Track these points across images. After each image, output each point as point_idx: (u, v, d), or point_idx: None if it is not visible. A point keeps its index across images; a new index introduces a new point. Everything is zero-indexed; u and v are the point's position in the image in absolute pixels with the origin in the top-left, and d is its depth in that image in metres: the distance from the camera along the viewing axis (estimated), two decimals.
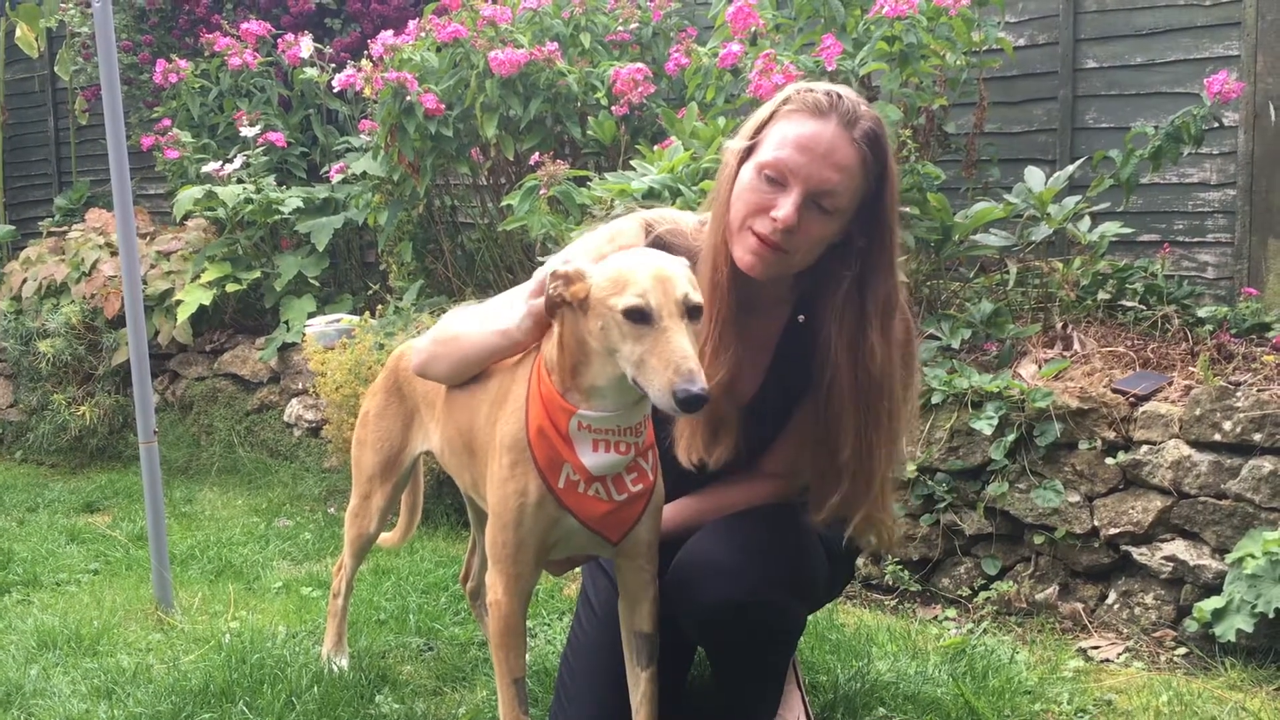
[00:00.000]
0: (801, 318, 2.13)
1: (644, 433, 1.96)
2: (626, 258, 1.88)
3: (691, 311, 1.80)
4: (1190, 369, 3.36)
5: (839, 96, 1.96)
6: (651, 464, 2.01)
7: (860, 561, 3.51)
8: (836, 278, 2.03)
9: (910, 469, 3.41)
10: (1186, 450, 3.08)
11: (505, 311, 2.15)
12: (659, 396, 1.75)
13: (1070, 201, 3.76)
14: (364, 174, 5.21)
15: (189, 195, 5.48)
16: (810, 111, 1.96)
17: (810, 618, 2.57)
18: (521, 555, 2.04)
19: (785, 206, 1.93)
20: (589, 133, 4.64)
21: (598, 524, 1.99)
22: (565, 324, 1.92)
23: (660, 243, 2.10)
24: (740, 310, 2.06)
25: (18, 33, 7.26)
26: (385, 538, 2.96)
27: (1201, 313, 3.72)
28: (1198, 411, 3.07)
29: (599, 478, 1.95)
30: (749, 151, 2.01)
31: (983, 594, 3.30)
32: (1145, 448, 3.15)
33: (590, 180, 4.04)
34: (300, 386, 5.20)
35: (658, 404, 1.77)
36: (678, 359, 1.73)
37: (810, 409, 2.12)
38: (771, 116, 2.00)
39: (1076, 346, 3.59)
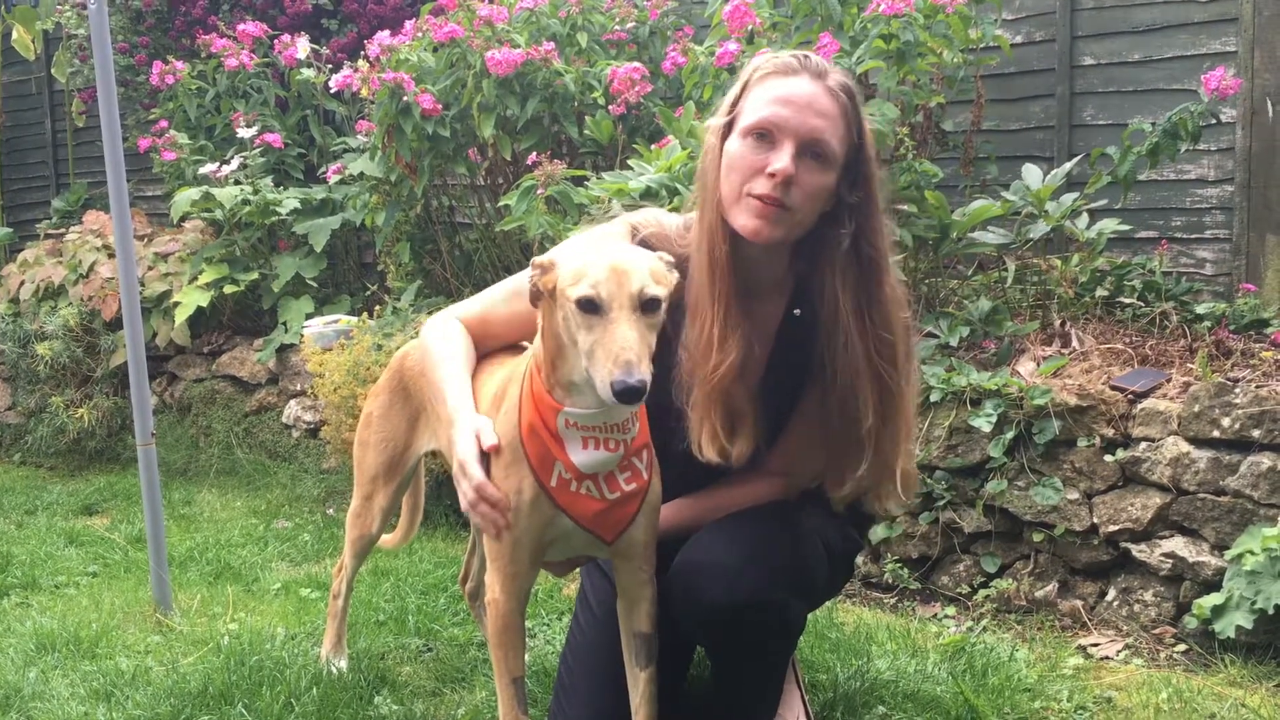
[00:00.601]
0: (798, 311, 2.13)
1: (633, 430, 1.95)
2: (589, 249, 1.90)
3: (646, 305, 1.81)
4: (1189, 365, 3.36)
5: (806, 56, 2.03)
6: (646, 463, 2.01)
7: (859, 559, 3.50)
8: (834, 241, 2.04)
9: None
10: (1185, 447, 3.08)
11: (451, 356, 2.17)
12: (601, 387, 1.77)
13: (1068, 199, 3.76)
14: (361, 175, 5.20)
15: (186, 197, 5.48)
16: (783, 71, 2.02)
17: (810, 616, 2.56)
18: (518, 554, 2.04)
19: (781, 159, 1.96)
20: (586, 132, 4.64)
21: (591, 523, 1.98)
22: (545, 316, 1.94)
23: (645, 245, 2.10)
24: (742, 294, 2.07)
25: (14, 35, 7.26)
26: (386, 539, 2.95)
27: (1200, 309, 3.72)
28: (1196, 408, 3.07)
29: (590, 476, 1.95)
30: (729, 125, 2.04)
31: (982, 592, 3.30)
32: (1144, 445, 3.15)
33: (588, 180, 4.04)
34: (298, 388, 5.19)
35: (601, 395, 1.78)
36: (618, 349, 1.75)
37: (815, 397, 2.12)
38: (745, 86, 2.05)
39: (1075, 344, 3.59)
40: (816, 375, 2.10)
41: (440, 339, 2.24)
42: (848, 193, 2.03)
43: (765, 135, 1.98)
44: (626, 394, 1.73)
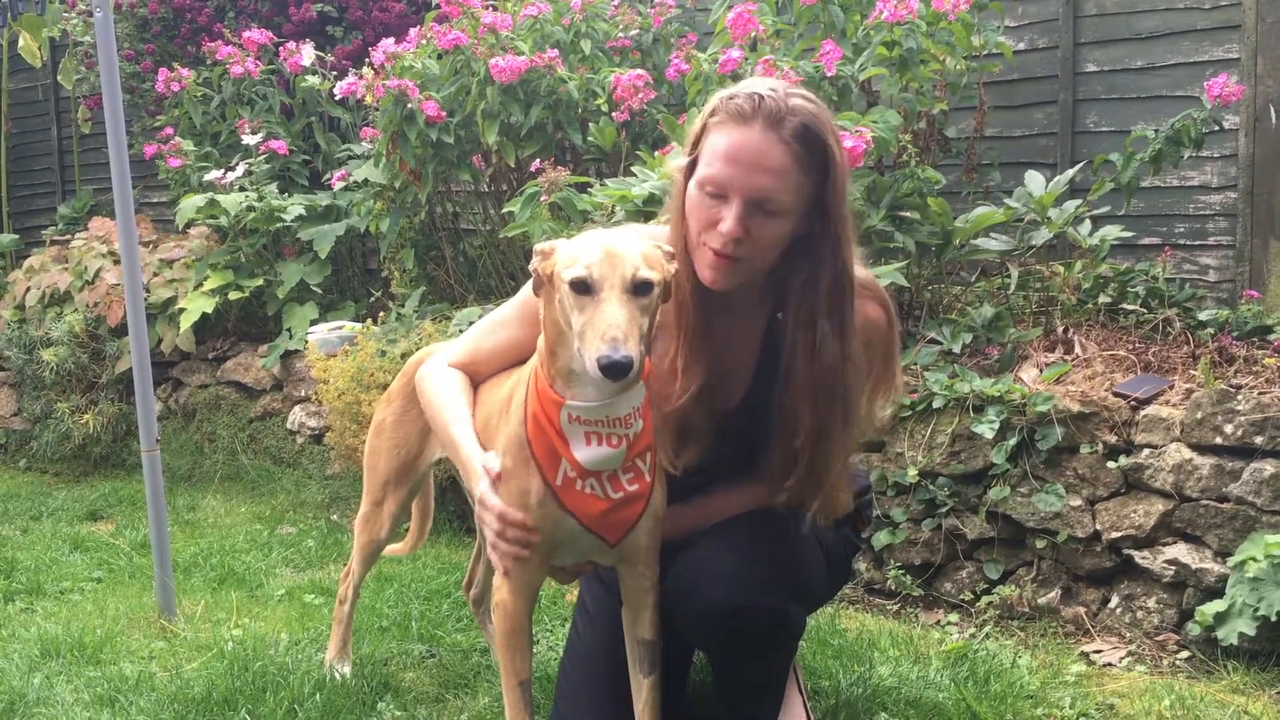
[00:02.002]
0: (780, 315, 2.14)
1: (635, 425, 1.96)
2: (587, 235, 1.93)
3: (637, 287, 1.83)
4: (1191, 372, 3.35)
5: (762, 98, 1.94)
6: (649, 466, 2.02)
7: (862, 566, 3.51)
8: (795, 268, 2.04)
9: (912, 474, 3.41)
10: (1188, 453, 3.07)
11: (459, 406, 2.22)
12: (590, 365, 1.80)
13: (1071, 205, 3.77)
14: (366, 181, 5.21)
15: (191, 203, 5.49)
16: (736, 119, 1.95)
17: (811, 623, 2.56)
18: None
19: (728, 219, 1.94)
20: (590, 139, 4.65)
21: (595, 523, 1.99)
22: (545, 304, 1.96)
23: None
24: (719, 315, 2.09)
25: (21, 42, 7.29)
26: (394, 547, 2.96)
27: (1203, 316, 3.72)
28: (1199, 415, 3.07)
29: (594, 473, 1.96)
30: (691, 168, 2.03)
31: (985, 598, 3.30)
32: (1146, 451, 3.14)
33: (591, 186, 4.05)
34: (303, 394, 5.20)
35: (590, 373, 1.81)
36: (604, 326, 1.78)
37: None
38: (703, 130, 2.01)
39: (1078, 350, 3.59)
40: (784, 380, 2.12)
41: (440, 389, 2.28)
42: (813, 224, 2.01)
43: (715, 192, 1.97)
44: (612, 369, 1.75)
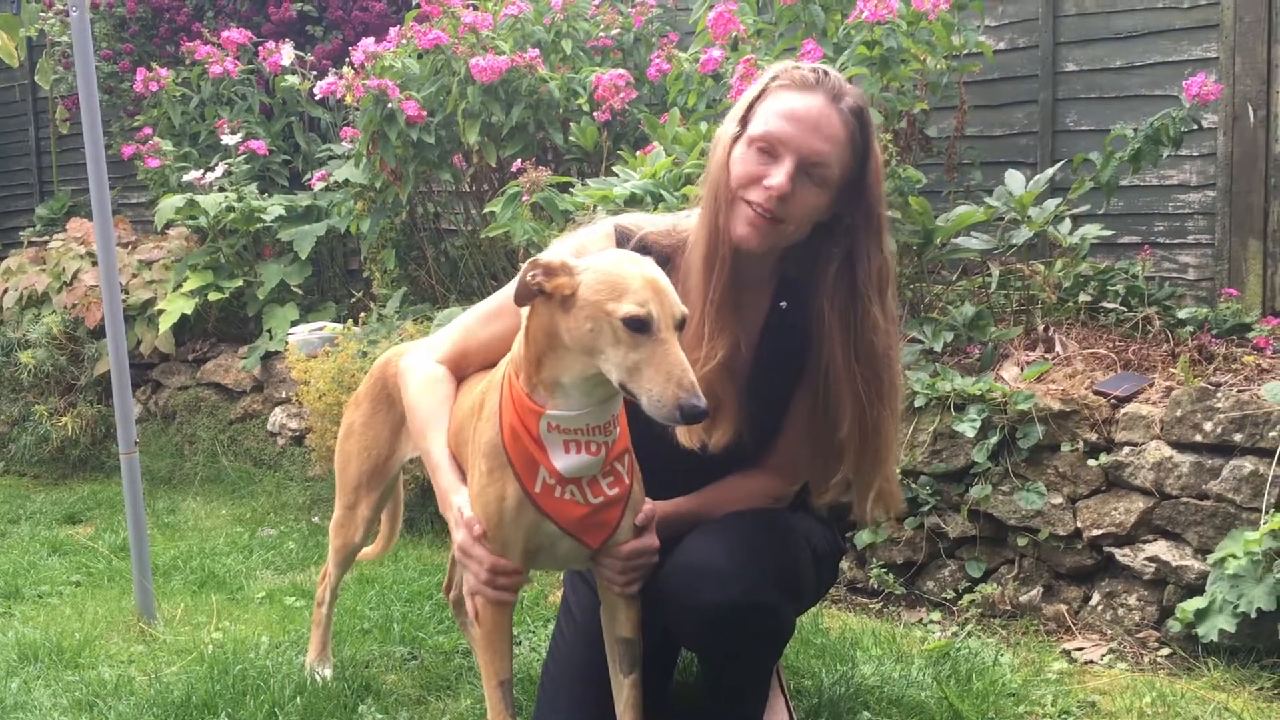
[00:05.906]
0: (784, 304, 2.15)
1: (614, 432, 1.96)
2: (616, 261, 1.90)
3: (680, 324, 1.84)
4: (1171, 370, 3.37)
5: (825, 73, 2.05)
6: (628, 468, 2.01)
7: (844, 565, 3.51)
8: (826, 255, 2.08)
9: None
10: (1168, 451, 3.09)
11: (440, 421, 2.21)
12: (655, 406, 1.78)
13: (1051, 204, 3.77)
14: (346, 181, 5.20)
15: (170, 204, 5.46)
16: (798, 86, 2.03)
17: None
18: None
19: (779, 175, 1.98)
20: (571, 139, 4.64)
21: (575, 528, 1.98)
22: (536, 315, 1.92)
23: (644, 245, 2.11)
24: (734, 290, 2.09)
25: None
26: (365, 551, 2.94)
27: (1182, 314, 3.73)
28: (1179, 412, 3.09)
29: (573, 480, 1.95)
30: (742, 127, 2.06)
31: (967, 597, 3.30)
32: (1127, 449, 3.16)
33: (573, 186, 4.04)
34: (283, 395, 5.18)
35: (651, 412, 1.79)
36: (679, 373, 1.78)
37: (808, 394, 2.15)
38: (761, 94, 2.06)
39: (1058, 349, 3.60)
40: (808, 373, 2.12)
41: (423, 393, 2.26)
42: (845, 211, 2.06)
43: (768, 148, 2.00)
44: (694, 416, 1.76)
